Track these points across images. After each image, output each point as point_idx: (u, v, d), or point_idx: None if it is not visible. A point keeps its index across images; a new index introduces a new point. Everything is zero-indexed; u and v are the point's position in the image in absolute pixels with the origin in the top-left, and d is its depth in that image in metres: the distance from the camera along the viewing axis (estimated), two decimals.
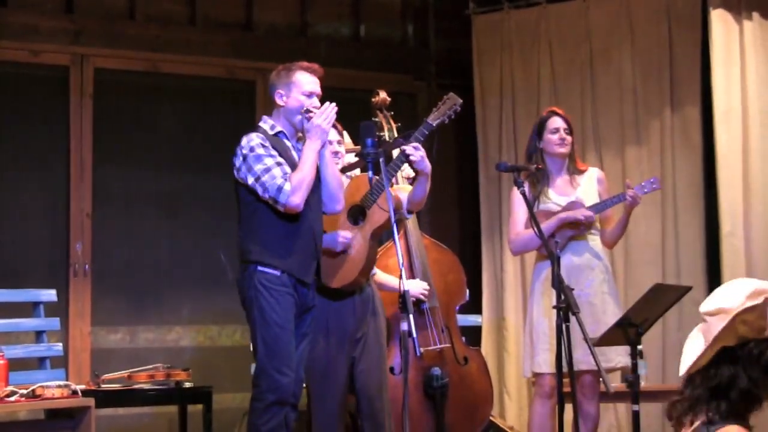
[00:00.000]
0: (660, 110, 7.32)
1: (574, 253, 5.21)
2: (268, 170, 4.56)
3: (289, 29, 7.97)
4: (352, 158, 5.46)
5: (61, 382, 5.13)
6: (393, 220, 4.42)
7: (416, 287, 5.42)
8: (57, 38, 7.13)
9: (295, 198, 4.55)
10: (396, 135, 5.75)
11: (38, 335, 5.93)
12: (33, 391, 5.00)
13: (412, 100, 8.20)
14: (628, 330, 4.74)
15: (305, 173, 4.59)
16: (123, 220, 7.29)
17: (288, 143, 4.75)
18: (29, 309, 5.96)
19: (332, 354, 4.95)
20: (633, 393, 4.76)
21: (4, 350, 5.27)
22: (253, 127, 4.80)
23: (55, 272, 6.98)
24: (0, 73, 7.04)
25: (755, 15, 6.99)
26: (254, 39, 7.74)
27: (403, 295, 4.19)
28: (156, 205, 7.39)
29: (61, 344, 6.03)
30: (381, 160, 4.62)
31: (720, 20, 7.00)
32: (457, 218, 7.97)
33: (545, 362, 5.24)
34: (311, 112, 4.70)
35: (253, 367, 6.63)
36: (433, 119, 5.00)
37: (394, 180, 5.20)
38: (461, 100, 4.94)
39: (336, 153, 5.09)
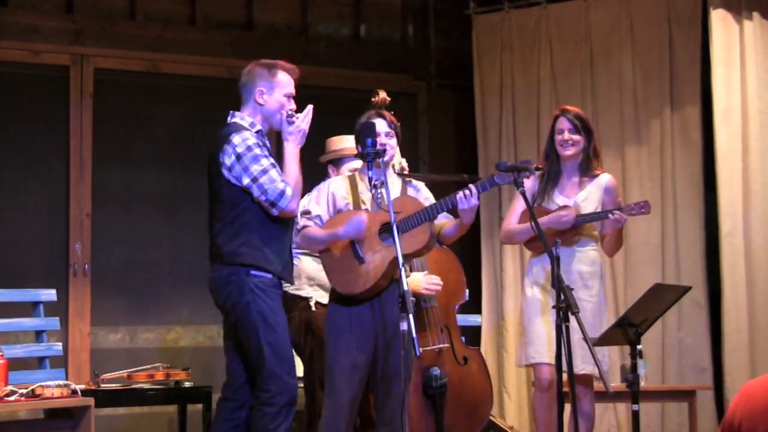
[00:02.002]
0: (660, 110, 7.32)
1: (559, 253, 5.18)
2: (265, 172, 4.50)
3: (289, 29, 7.97)
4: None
5: (61, 382, 5.12)
6: (393, 220, 4.42)
7: (424, 281, 5.38)
8: (57, 38, 7.14)
9: (294, 203, 4.55)
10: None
11: (38, 335, 5.93)
12: (33, 390, 5.00)
13: (412, 100, 8.21)
14: (628, 330, 4.74)
15: (297, 178, 4.58)
16: (123, 220, 7.29)
17: (266, 142, 4.70)
18: (29, 309, 5.96)
19: (353, 354, 4.79)
20: (632, 393, 4.76)
21: (4, 350, 5.27)
22: (233, 125, 4.67)
23: (54, 272, 6.98)
24: (0, 73, 7.04)
25: (755, 15, 7.00)
26: (254, 39, 7.74)
27: (402, 295, 4.19)
28: (156, 205, 7.39)
29: (60, 344, 6.03)
30: (381, 160, 4.61)
31: (720, 20, 7.01)
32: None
33: (525, 356, 5.26)
34: (294, 115, 4.67)
35: None
36: (501, 178, 4.73)
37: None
38: (534, 170, 4.73)
39: (383, 144, 4.98)
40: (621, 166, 7.35)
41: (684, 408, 6.51)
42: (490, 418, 6.19)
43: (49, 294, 6.01)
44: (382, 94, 5.70)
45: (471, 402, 5.53)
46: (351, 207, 4.89)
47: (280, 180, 4.51)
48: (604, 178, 5.37)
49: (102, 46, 7.24)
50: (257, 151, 4.53)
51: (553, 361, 5.13)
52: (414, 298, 5.21)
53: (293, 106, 4.72)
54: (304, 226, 4.82)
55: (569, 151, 5.30)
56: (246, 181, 4.52)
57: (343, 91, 7.98)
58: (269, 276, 4.55)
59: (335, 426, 4.78)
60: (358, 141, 4.83)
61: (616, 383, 5.71)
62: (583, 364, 5.15)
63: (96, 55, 7.23)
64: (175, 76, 7.50)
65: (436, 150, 8.10)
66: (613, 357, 6.84)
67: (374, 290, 4.81)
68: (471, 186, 4.71)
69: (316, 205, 4.89)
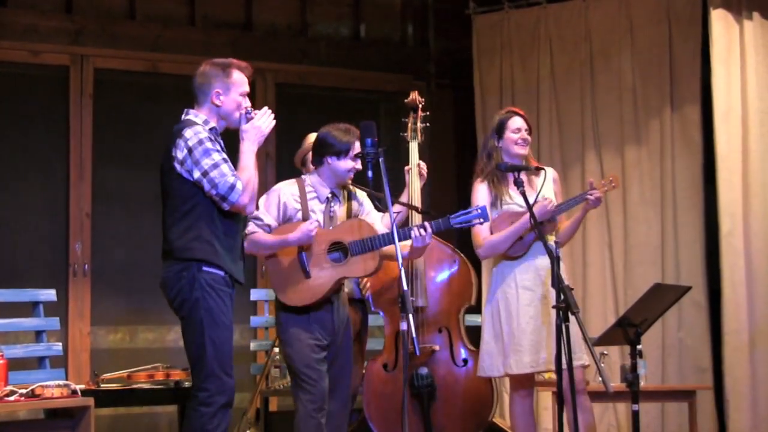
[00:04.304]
0: (660, 110, 7.32)
1: (540, 254, 5.16)
2: (216, 166, 4.47)
3: (289, 29, 7.97)
4: None
5: (61, 382, 5.12)
6: (393, 220, 4.42)
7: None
8: (57, 38, 7.14)
9: (245, 197, 4.50)
10: (418, 137, 5.77)
11: (38, 335, 5.92)
12: (32, 390, 5.00)
13: None
14: (628, 330, 4.74)
15: (251, 174, 4.55)
16: (123, 220, 7.29)
17: (219, 140, 4.67)
18: (29, 309, 5.96)
19: (318, 351, 4.86)
20: (633, 393, 4.76)
21: (4, 350, 5.27)
22: (186, 121, 4.63)
23: (54, 272, 6.98)
24: (0, 73, 7.04)
25: (755, 15, 7.00)
26: (254, 39, 7.75)
27: (402, 295, 4.19)
28: (155, 205, 7.35)
29: (60, 344, 6.02)
30: (381, 159, 4.60)
31: (720, 20, 7.01)
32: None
33: (518, 363, 5.16)
34: (252, 112, 4.67)
35: (253, 367, 6.68)
36: (456, 222, 4.85)
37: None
38: (489, 219, 4.95)
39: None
40: (621, 166, 7.35)
41: (684, 408, 6.50)
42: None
43: (49, 294, 6.00)
44: (413, 95, 5.80)
45: (470, 404, 5.54)
46: (301, 215, 4.91)
47: (230, 174, 4.48)
48: (551, 171, 5.39)
49: (102, 46, 7.24)
50: (208, 145, 4.50)
51: (540, 367, 5.13)
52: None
53: (248, 103, 4.71)
54: (252, 231, 4.88)
55: (525, 150, 5.30)
56: (197, 174, 4.48)
57: (342, 91, 7.98)
58: (221, 273, 4.52)
59: (315, 419, 4.79)
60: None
61: (616, 383, 5.70)
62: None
63: (96, 55, 7.23)
64: (174, 76, 7.49)
65: (436, 150, 8.09)
66: (613, 357, 6.85)
67: (318, 303, 4.86)
68: (426, 224, 4.79)
69: (266, 213, 4.94)
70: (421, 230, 4.77)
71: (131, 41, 7.35)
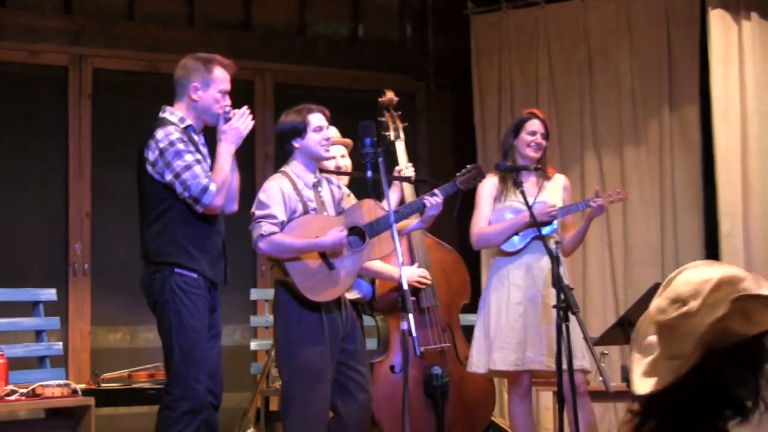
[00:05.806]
0: (658, 110, 7.33)
1: (533, 254, 5.19)
2: (189, 168, 4.42)
3: (287, 29, 7.98)
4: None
5: (61, 381, 5.14)
6: (393, 223, 4.42)
7: (412, 273, 5.36)
8: (56, 38, 7.13)
9: (219, 199, 4.44)
10: (402, 135, 5.77)
11: (38, 334, 5.92)
12: (33, 390, 5.01)
13: (411, 100, 8.20)
14: (628, 329, 4.75)
15: (226, 175, 4.49)
16: (122, 220, 7.27)
17: (195, 138, 4.61)
18: (29, 308, 5.95)
19: (326, 360, 4.70)
20: (633, 392, 4.75)
21: (4, 349, 5.28)
22: (161, 120, 4.61)
23: (54, 272, 6.97)
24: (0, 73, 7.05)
25: (754, 15, 7.01)
26: (253, 39, 7.75)
27: (403, 295, 4.19)
28: None
29: (61, 343, 6.02)
30: (380, 159, 4.60)
31: (718, 20, 7.02)
32: (456, 218, 7.98)
33: (503, 360, 5.17)
34: (230, 113, 4.59)
35: (253, 366, 6.69)
36: (461, 182, 4.99)
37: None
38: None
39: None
40: (620, 166, 7.36)
41: None
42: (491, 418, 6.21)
43: (49, 293, 6.00)
44: (389, 94, 5.77)
45: (473, 402, 5.54)
46: (300, 207, 4.76)
47: (203, 176, 4.43)
48: (561, 178, 5.46)
49: (101, 47, 7.23)
50: (180, 146, 4.45)
51: (525, 366, 5.15)
52: (414, 298, 5.24)
53: (228, 102, 4.63)
54: (272, 232, 4.63)
55: (538, 154, 5.33)
56: (169, 177, 4.45)
57: (341, 91, 7.98)
58: (194, 275, 4.46)
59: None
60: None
61: (616, 383, 5.71)
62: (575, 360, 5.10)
63: (95, 55, 7.22)
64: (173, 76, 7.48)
65: (434, 150, 8.11)
66: (613, 357, 6.85)
67: (342, 296, 4.79)
68: (436, 191, 4.83)
69: (276, 208, 4.70)
70: (434, 198, 4.79)
71: (130, 41, 7.34)
